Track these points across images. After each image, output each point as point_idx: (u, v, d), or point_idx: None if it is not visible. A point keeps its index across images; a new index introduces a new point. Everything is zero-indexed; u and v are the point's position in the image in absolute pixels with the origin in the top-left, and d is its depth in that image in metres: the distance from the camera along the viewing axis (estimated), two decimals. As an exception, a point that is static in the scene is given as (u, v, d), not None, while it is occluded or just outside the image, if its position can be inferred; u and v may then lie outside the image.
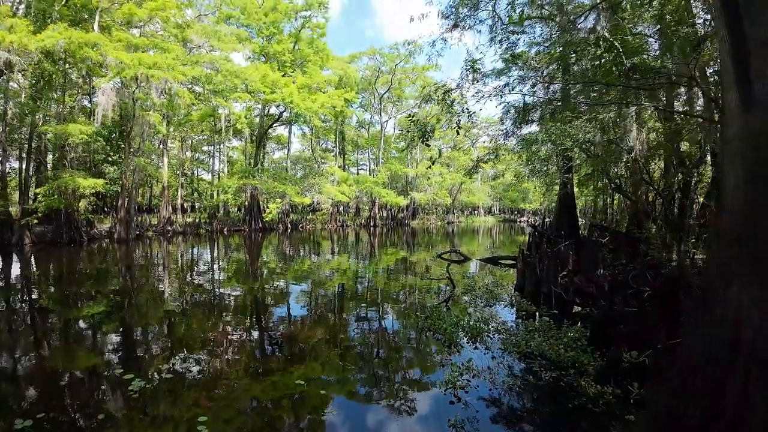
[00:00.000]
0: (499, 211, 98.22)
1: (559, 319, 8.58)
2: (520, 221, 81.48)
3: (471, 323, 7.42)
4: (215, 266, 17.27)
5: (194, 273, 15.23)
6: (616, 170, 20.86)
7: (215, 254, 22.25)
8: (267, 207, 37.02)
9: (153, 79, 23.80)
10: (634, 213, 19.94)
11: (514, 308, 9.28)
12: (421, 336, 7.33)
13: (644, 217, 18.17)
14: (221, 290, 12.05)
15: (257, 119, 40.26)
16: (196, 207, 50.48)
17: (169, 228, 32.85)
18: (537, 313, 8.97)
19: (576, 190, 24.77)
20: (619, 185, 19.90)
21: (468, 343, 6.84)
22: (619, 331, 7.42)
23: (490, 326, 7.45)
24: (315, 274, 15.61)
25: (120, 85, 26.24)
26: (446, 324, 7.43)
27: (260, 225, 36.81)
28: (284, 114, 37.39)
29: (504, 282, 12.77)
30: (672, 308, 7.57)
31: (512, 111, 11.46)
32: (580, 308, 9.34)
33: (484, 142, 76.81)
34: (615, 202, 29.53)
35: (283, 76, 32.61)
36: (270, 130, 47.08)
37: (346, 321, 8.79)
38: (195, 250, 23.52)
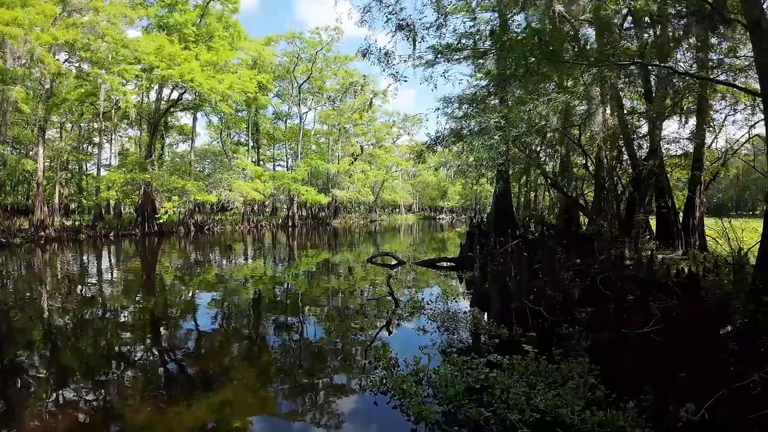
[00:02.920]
0: (419, 209, 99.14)
1: (543, 345, 6.53)
2: (439, 218, 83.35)
3: (440, 373, 4.93)
4: (82, 282, 12.95)
5: (45, 295, 10.97)
6: (552, 165, 20.07)
7: (88, 266, 17.42)
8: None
9: (12, 40, 18.18)
10: (567, 208, 19.25)
11: (481, 334, 7.04)
12: (371, 406, 4.70)
13: (583, 212, 17.34)
14: (85, 316, 8.31)
15: (153, 102, 34.43)
16: (85, 207, 42.77)
17: (42, 233, 26.39)
18: (510, 337, 6.84)
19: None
20: (555, 180, 18.96)
21: (442, 413, 4.35)
22: (639, 366, 5.51)
23: (466, 375, 5.00)
24: (219, 288, 12.26)
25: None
26: (403, 380, 4.85)
27: (155, 228, 31.27)
28: (185, 96, 32.13)
29: (452, 292, 10.62)
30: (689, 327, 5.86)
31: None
32: (551, 324, 7.44)
33: (405, 141, 76.59)
34: (541, 197, 29.54)
35: (184, 49, 27.66)
36: (173, 119, 40.98)
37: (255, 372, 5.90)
38: (62, 261, 18.31)
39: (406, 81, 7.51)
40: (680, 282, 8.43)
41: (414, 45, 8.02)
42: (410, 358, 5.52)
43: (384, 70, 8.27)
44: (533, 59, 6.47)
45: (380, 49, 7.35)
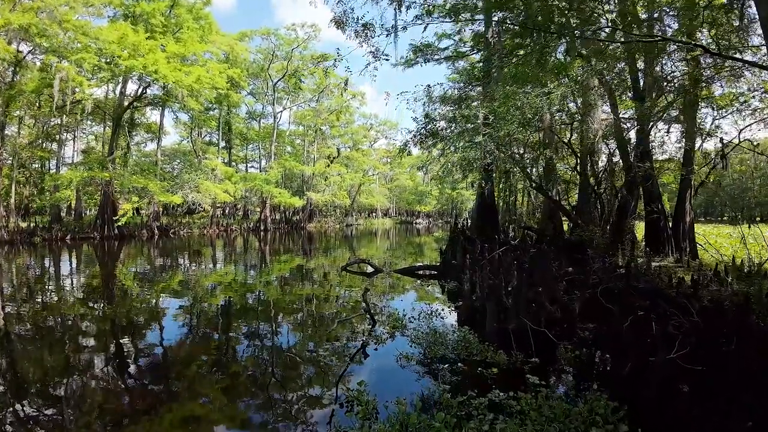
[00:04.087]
0: (396, 213, 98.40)
1: (548, 373, 5.57)
2: (416, 223, 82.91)
3: (434, 426, 3.82)
4: (33, 291, 11.30)
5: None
6: (536, 168, 19.40)
7: (44, 272, 15.58)
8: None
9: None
10: (551, 213, 18.61)
11: (476, 361, 5.97)
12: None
13: (568, 217, 16.69)
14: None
15: (117, 96, 32.18)
16: (47, 209, 39.96)
17: (-5, 235, 24.45)
18: (511, 364, 5.84)
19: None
20: (540, 184, 18.29)
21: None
22: (669, 401, 4.58)
23: (465, 427, 3.90)
24: (183, 297, 10.86)
25: None
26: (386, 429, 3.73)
27: (115, 231, 29.13)
28: (149, 90, 30.17)
29: (436, 307, 9.57)
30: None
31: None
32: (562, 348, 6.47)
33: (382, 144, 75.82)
34: (520, 201, 29.01)
35: (149, 39, 25.78)
36: (140, 117, 38.71)
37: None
38: (16, 266, 16.39)
39: (387, 59, 6.54)
40: (686, 293, 7.68)
41: (399, 8, 7.04)
42: (392, 399, 4.39)
43: (362, 45, 7.25)
44: (535, 32, 5.58)
45: (358, 19, 6.28)
